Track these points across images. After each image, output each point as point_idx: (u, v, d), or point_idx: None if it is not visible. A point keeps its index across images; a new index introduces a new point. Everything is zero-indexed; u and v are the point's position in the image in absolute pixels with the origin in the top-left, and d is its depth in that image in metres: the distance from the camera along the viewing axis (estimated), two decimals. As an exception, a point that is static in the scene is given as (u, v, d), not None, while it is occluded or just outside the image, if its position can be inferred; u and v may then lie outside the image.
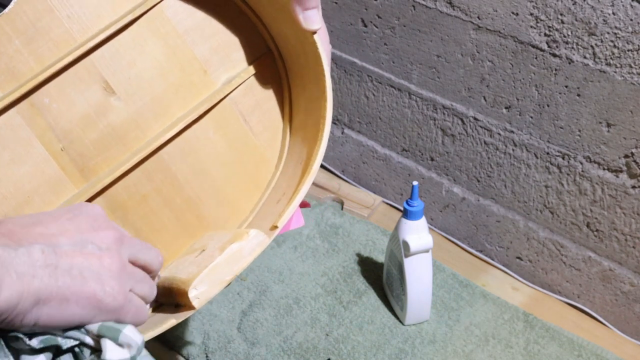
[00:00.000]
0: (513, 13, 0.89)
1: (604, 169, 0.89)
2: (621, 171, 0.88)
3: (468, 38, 0.95)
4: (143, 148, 0.65)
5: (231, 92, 0.68)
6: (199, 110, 0.66)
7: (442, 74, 1.00)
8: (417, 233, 0.90)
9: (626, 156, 0.86)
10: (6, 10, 0.61)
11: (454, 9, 0.95)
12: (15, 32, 0.61)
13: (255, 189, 0.69)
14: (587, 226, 0.94)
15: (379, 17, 1.04)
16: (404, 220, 0.90)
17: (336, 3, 1.08)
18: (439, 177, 1.09)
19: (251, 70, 0.69)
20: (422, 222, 0.90)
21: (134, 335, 0.50)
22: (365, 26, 1.07)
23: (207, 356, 0.91)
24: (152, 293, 0.55)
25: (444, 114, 1.03)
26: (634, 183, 0.87)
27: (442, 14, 0.96)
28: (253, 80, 0.69)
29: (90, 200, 0.63)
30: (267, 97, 0.70)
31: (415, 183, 0.88)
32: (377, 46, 1.07)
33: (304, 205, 0.73)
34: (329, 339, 0.92)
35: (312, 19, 0.62)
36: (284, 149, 0.70)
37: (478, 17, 0.93)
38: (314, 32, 0.63)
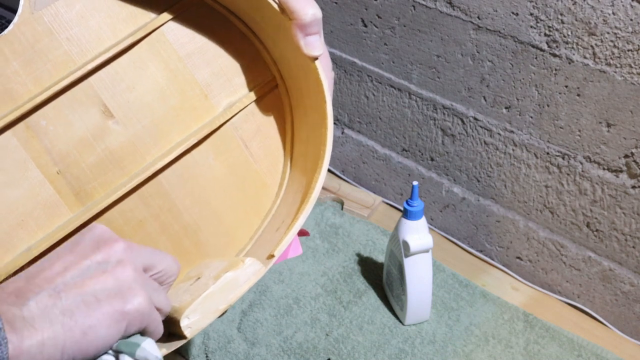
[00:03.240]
0: (513, 13, 0.89)
1: (604, 169, 0.89)
2: (621, 171, 0.88)
3: (468, 38, 0.95)
4: (141, 172, 0.63)
5: (232, 117, 0.67)
6: (199, 135, 0.65)
7: (442, 74, 1.00)
8: (417, 233, 0.90)
9: (626, 156, 0.86)
10: (5, 31, 0.61)
11: (454, 9, 0.95)
12: (14, 54, 0.61)
13: (254, 217, 0.68)
14: (587, 226, 0.94)
15: (379, 17, 1.04)
16: (404, 220, 0.90)
17: (336, 3, 1.08)
18: (439, 177, 1.09)
19: (253, 95, 0.68)
20: (422, 222, 0.90)
21: (152, 350, 0.49)
22: (365, 26, 1.07)
23: (207, 356, 0.91)
24: (167, 305, 0.55)
25: (444, 114, 1.03)
26: (634, 183, 0.87)
27: (442, 14, 0.96)
28: (254, 105, 0.68)
29: (85, 224, 0.62)
30: (269, 123, 0.69)
31: (415, 183, 0.88)
32: (377, 46, 1.07)
33: (302, 233, 0.72)
34: (329, 339, 0.92)
35: (314, 45, 0.61)
36: (284, 176, 0.69)
37: (478, 17, 0.93)
38: (315, 58, 0.61)
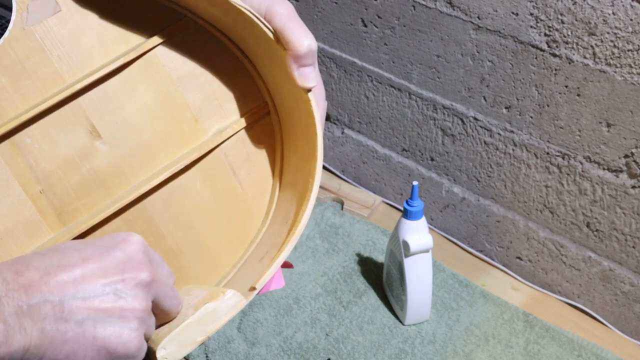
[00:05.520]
0: (513, 13, 0.89)
1: (604, 169, 0.89)
2: (621, 171, 0.88)
3: (468, 38, 0.95)
4: (125, 195, 0.62)
5: (222, 143, 0.66)
6: (187, 159, 0.64)
7: (442, 74, 1.00)
8: (417, 233, 0.90)
9: (626, 156, 0.86)
10: None
11: (454, 9, 0.95)
12: (2, 69, 0.59)
13: (239, 244, 0.66)
14: (587, 226, 0.94)
15: (379, 17, 1.04)
16: (404, 220, 0.90)
17: (336, 3, 1.08)
18: (439, 177, 1.09)
19: (244, 122, 0.67)
20: (422, 222, 0.90)
21: None
22: (365, 26, 1.07)
23: (207, 356, 0.91)
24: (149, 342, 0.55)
25: (444, 114, 1.03)
26: (634, 183, 0.87)
27: (442, 14, 0.96)
28: (245, 132, 0.67)
29: None
30: (259, 151, 0.68)
31: (415, 183, 0.88)
32: (377, 46, 1.07)
33: (286, 265, 0.70)
34: (329, 339, 0.92)
35: (307, 77, 0.60)
36: (271, 205, 0.67)
37: (478, 17, 0.93)
38: (309, 90, 0.60)
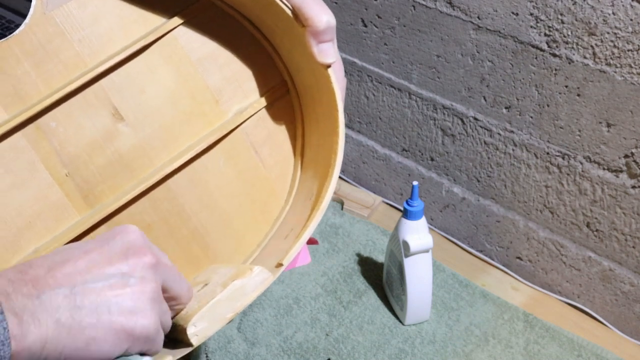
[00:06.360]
0: (513, 13, 0.89)
1: (604, 169, 0.89)
2: (621, 171, 0.88)
3: (468, 38, 0.95)
4: (150, 176, 0.63)
5: (243, 122, 0.67)
6: (209, 140, 0.65)
7: (442, 74, 1.00)
8: (417, 233, 0.90)
9: (626, 156, 0.86)
10: (17, 31, 0.60)
11: (454, 9, 0.95)
12: (25, 54, 0.60)
13: (263, 223, 0.67)
14: (587, 226, 0.94)
15: (379, 17, 1.04)
16: (404, 220, 0.90)
17: (336, 3, 1.08)
18: (439, 177, 1.09)
19: (264, 101, 0.67)
20: (422, 222, 0.90)
21: None
22: (365, 26, 1.07)
23: (207, 356, 0.91)
24: (168, 328, 0.54)
25: (444, 114, 1.03)
26: (634, 183, 0.87)
27: (442, 14, 0.96)
28: (265, 111, 0.68)
29: (93, 228, 0.62)
30: (280, 130, 0.68)
31: (415, 183, 0.88)
32: (377, 46, 1.07)
33: (311, 242, 0.71)
34: (329, 339, 0.92)
35: (327, 52, 0.60)
36: (294, 183, 0.68)
37: (478, 17, 0.93)
38: (328, 66, 0.61)
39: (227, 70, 0.67)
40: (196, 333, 0.54)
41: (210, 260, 0.65)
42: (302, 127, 0.69)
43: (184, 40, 0.65)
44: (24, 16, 0.61)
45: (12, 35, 0.60)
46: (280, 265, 0.57)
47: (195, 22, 0.66)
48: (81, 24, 0.62)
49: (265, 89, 0.68)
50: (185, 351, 0.55)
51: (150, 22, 0.64)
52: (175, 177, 0.64)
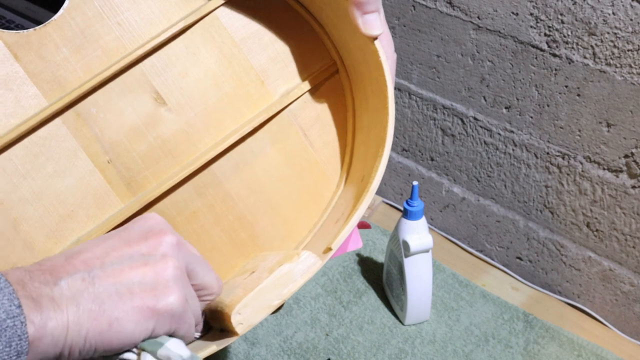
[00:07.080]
0: (513, 13, 0.89)
1: (604, 169, 0.89)
2: (621, 171, 0.88)
3: (468, 38, 0.95)
4: (194, 162, 0.61)
5: (290, 104, 0.64)
6: (255, 122, 0.62)
7: (442, 74, 1.00)
8: (417, 233, 0.90)
9: (626, 156, 0.86)
10: (55, 17, 0.59)
11: (454, 9, 0.95)
12: (64, 40, 0.59)
13: (314, 208, 0.64)
14: (587, 226, 0.94)
15: (379, 17, 1.04)
16: (404, 220, 0.90)
17: (336, 3, 1.08)
18: (439, 177, 1.09)
19: (312, 81, 0.64)
20: (422, 222, 0.90)
21: (177, 349, 0.47)
22: (365, 26, 1.06)
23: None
24: (200, 316, 0.53)
25: (444, 114, 1.03)
26: (634, 183, 0.87)
27: (442, 14, 0.96)
28: (314, 92, 0.65)
29: (136, 215, 0.59)
30: (329, 111, 0.65)
31: (415, 183, 0.88)
32: (377, 46, 1.06)
33: (363, 225, 0.68)
34: (329, 339, 0.92)
35: (372, 24, 0.57)
36: (345, 166, 0.65)
37: (478, 17, 0.93)
38: (375, 38, 0.58)
39: (272, 50, 0.64)
40: (241, 321, 0.52)
41: (258, 248, 0.63)
42: (353, 108, 0.66)
43: (226, 21, 0.63)
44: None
45: (50, 20, 0.59)
46: (329, 249, 0.55)
47: (238, 1, 0.63)
48: (120, 7, 0.60)
49: (313, 69, 0.65)
50: (229, 341, 0.52)
51: (191, 3, 0.62)
52: (220, 161, 0.62)
